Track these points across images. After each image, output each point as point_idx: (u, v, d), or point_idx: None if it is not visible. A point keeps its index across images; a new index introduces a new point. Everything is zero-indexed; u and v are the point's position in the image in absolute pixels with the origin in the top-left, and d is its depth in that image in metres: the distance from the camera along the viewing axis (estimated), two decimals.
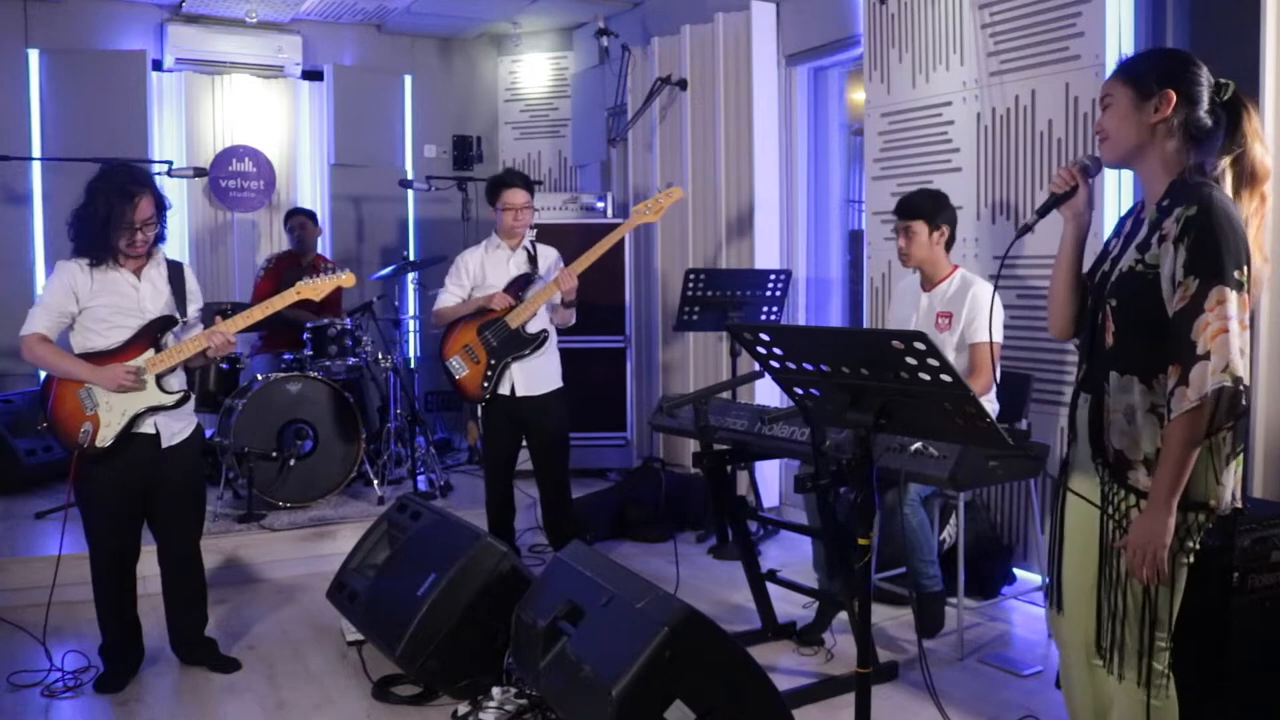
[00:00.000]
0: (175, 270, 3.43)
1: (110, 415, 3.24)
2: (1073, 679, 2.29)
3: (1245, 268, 1.93)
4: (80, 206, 3.26)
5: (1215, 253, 1.91)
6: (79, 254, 3.26)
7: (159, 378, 3.30)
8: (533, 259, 4.35)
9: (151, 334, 3.30)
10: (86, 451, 3.22)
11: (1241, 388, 1.89)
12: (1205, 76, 2.07)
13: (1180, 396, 1.91)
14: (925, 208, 3.69)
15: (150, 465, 3.32)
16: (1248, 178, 2.06)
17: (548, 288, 4.21)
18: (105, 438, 3.23)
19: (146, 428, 3.31)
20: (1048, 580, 2.35)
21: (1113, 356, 2.08)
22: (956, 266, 3.78)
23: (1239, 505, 2.07)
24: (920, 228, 3.68)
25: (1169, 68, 2.07)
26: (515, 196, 4.32)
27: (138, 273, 3.31)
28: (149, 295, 3.32)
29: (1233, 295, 1.89)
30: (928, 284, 3.77)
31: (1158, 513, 1.96)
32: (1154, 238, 2.03)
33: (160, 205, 3.30)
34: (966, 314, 3.63)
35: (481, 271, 4.35)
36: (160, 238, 3.35)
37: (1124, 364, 2.06)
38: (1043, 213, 2.22)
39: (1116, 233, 2.24)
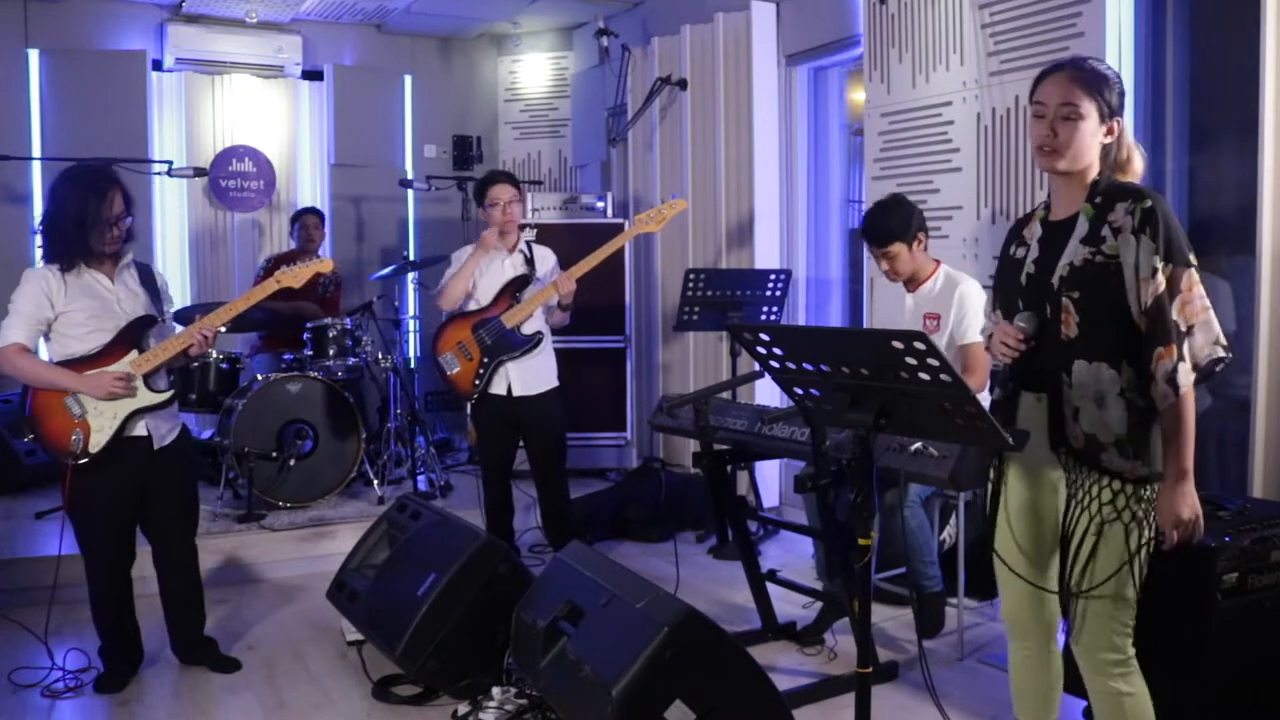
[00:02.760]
0: (145, 271, 3.39)
1: (101, 420, 3.19)
2: (1017, 665, 2.43)
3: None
4: (48, 212, 3.21)
5: (1177, 239, 2.07)
6: (51, 260, 3.19)
7: (146, 378, 3.26)
8: (529, 261, 4.35)
9: (133, 335, 3.25)
10: (79, 458, 3.16)
11: (1230, 354, 2.07)
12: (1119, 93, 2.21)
13: (1185, 373, 2.04)
14: (896, 229, 3.63)
15: (143, 468, 3.29)
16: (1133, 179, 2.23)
17: (545, 290, 4.20)
18: (98, 442, 3.18)
19: (138, 430, 3.27)
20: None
21: (1077, 346, 2.16)
22: (939, 263, 3.75)
23: None
24: (899, 249, 3.64)
25: (1119, 96, 2.18)
26: (501, 191, 4.29)
27: (111, 275, 3.26)
28: (125, 297, 3.27)
29: (1196, 276, 2.07)
30: (912, 285, 3.74)
31: (1185, 484, 2.09)
32: (1104, 231, 2.13)
33: (128, 200, 3.24)
34: (955, 314, 3.61)
35: (478, 268, 4.34)
36: (129, 236, 3.28)
37: (1092, 352, 2.14)
38: (1011, 380, 2.29)
39: (1018, 244, 2.31)
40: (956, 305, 3.60)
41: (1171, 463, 2.09)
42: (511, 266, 4.34)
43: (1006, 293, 2.32)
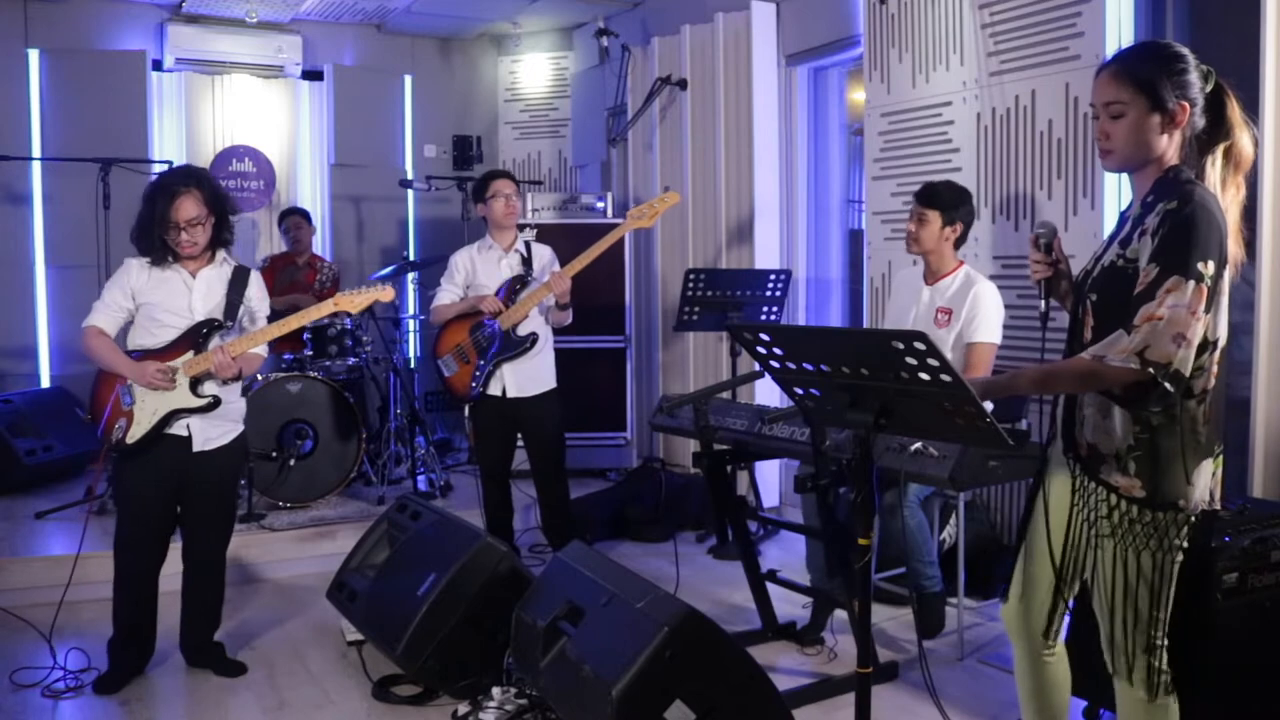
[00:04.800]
0: (240, 275, 3.41)
1: (142, 414, 3.27)
2: (1024, 670, 2.37)
3: (1211, 262, 1.92)
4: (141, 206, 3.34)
5: (1181, 245, 1.92)
6: (140, 253, 3.31)
7: (195, 381, 3.29)
8: (526, 260, 4.33)
9: (194, 336, 3.30)
10: (116, 447, 3.27)
11: (1151, 371, 1.90)
12: (1196, 72, 2.04)
13: (1098, 347, 1.97)
14: (944, 199, 3.62)
15: (181, 467, 3.33)
16: (1233, 165, 2.07)
17: (539, 289, 4.19)
18: (134, 435, 3.26)
19: (178, 429, 3.31)
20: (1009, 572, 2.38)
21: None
22: (962, 263, 3.74)
23: (1216, 507, 2.08)
24: (934, 217, 3.62)
25: (1180, 75, 2.02)
26: (504, 184, 4.33)
27: (195, 273, 3.33)
28: (200, 296, 3.33)
29: (1187, 286, 1.90)
30: (931, 277, 3.73)
31: (1005, 382, 2.14)
32: (1135, 233, 2.04)
33: (215, 206, 3.28)
34: (967, 312, 3.60)
35: (473, 269, 4.34)
36: (221, 240, 3.35)
37: None
38: (1048, 298, 2.28)
39: (1110, 235, 2.24)
40: (970, 304, 3.60)
41: (1021, 372, 2.14)
42: (508, 267, 4.33)
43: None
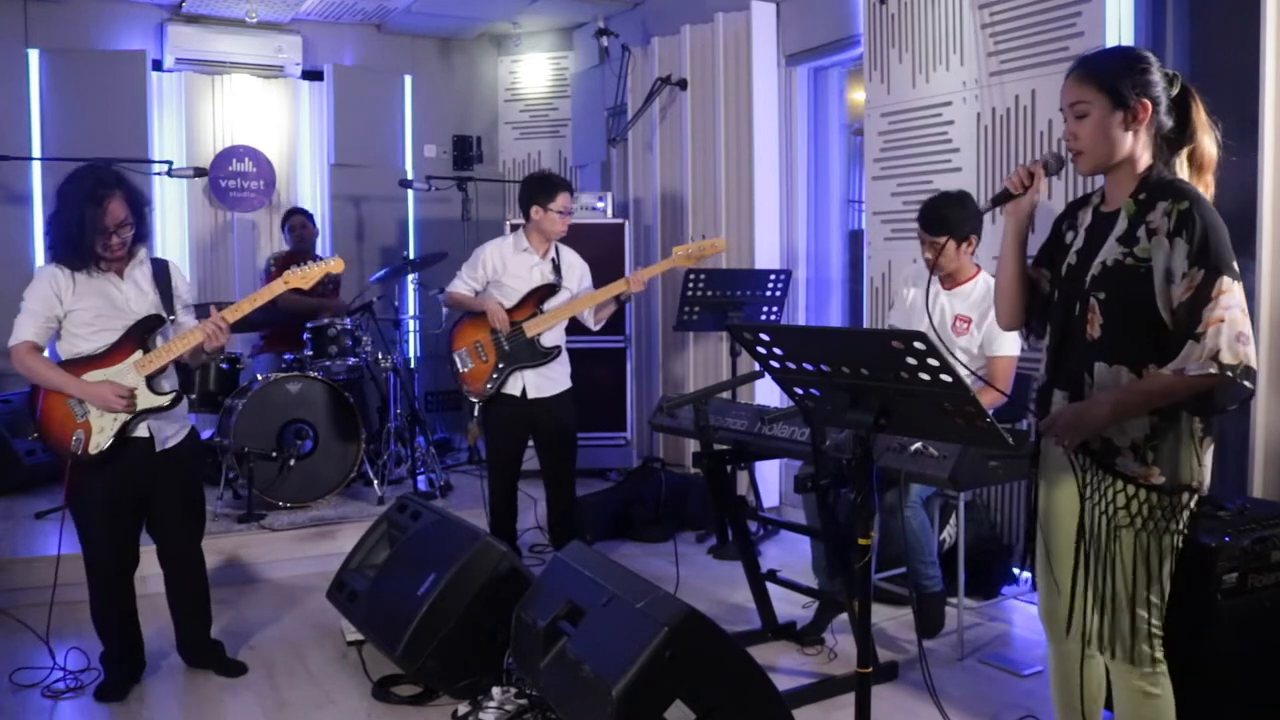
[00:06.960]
0: (160, 268, 3.34)
1: (102, 421, 3.17)
2: (1058, 671, 2.37)
3: (1235, 259, 1.99)
4: (53, 213, 3.19)
5: (1217, 246, 1.98)
6: (58, 260, 3.17)
7: (150, 379, 3.23)
8: (558, 269, 4.32)
9: (139, 335, 3.22)
10: (79, 459, 3.15)
11: (1229, 374, 1.94)
12: (1159, 74, 2.11)
13: (1179, 360, 1.98)
14: (952, 223, 3.55)
15: (145, 470, 3.26)
16: (1196, 167, 2.14)
17: (574, 304, 4.22)
18: (98, 444, 3.16)
19: (140, 431, 3.24)
20: (1031, 572, 2.39)
21: (1099, 348, 2.13)
22: (980, 268, 3.72)
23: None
24: (948, 244, 3.56)
25: (1141, 75, 2.10)
26: (569, 201, 4.30)
27: (120, 274, 3.23)
28: (134, 296, 3.24)
29: (1234, 285, 1.97)
30: (949, 282, 3.70)
31: (1104, 409, 2.05)
32: (1139, 232, 2.07)
33: (135, 204, 3.19)
34: (990, 325, 3.55)
35: (503, 267, 4.29)
36: (140, 237, 3.24)
37: (1113, 354, 2.10)
38: (995, 203, 2.32)
39: (1069, 225, 2.28)
40: (993, 316, 3.57)
41: (1111, 394, 2.07)
42: (540, 273, 4.30)
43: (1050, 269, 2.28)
